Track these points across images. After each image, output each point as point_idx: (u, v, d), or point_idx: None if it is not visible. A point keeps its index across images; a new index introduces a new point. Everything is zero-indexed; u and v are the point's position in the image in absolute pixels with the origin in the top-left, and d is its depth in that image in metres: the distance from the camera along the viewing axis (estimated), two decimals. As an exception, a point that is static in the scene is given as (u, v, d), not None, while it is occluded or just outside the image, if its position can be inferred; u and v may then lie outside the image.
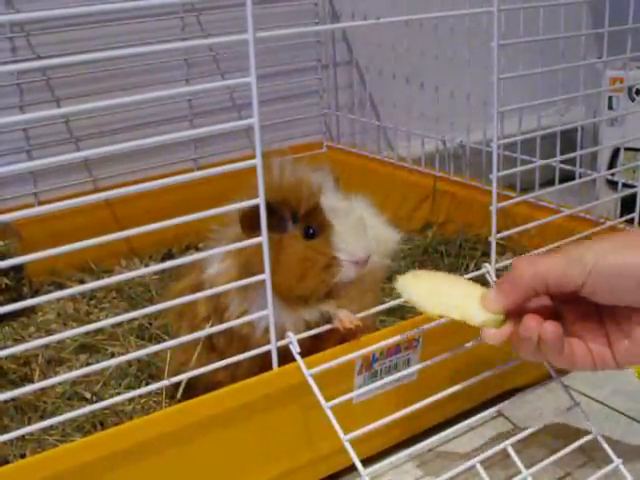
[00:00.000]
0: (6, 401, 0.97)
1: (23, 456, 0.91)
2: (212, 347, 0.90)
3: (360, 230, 0.87)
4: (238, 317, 0.85)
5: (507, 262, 1.03)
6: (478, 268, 1.03)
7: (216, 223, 0.93)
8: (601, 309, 0.80)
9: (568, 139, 1.29)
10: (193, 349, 0.91)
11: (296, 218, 0.86)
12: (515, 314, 0.80)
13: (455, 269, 1.32)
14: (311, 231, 0.86)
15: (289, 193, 0.85)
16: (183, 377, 0.83)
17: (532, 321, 0.78)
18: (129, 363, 1.09)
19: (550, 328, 0.77)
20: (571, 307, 0.82)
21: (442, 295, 0.82)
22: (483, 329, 0.80)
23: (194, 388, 0.87)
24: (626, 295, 0.75)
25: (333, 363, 0.84)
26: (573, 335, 0.81)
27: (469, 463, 0.83)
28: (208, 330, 0.84)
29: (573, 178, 1.27)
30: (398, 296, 0.86)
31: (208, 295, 0.83)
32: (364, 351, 0.87)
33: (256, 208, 0.79)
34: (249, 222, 0.83)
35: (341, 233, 0.86)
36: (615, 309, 0.79)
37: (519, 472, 0.83)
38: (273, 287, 0.82)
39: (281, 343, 0.84)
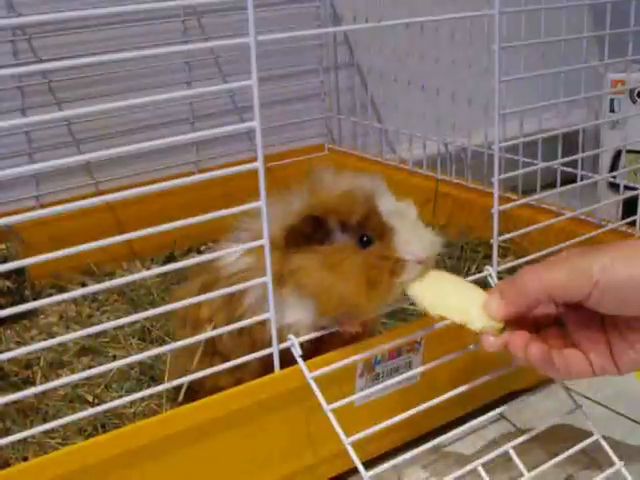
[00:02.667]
0: (8, 404, 0.97)
1: (25, 459, 0.91)
2: (216, 353, 0.90)
3: (419, 228, 0.86)
4: (252, 315, 0.84)
5: (509, 265, 1.03)
6: (480, 271, 1.03)
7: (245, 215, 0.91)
8: (604, 318, 0.80)
9: (570, 142, 1.29)
10: (196, 355, 0.90)
11: (346, 228, 0.85)
12: (516, 321, 0.79)
13: (457, 272, 1.32)
14: (365, 239, 0.84)
15: (336, 204, 0.84)
16: (184, 380, 0.83)
17: (518, 340, 0.78)
18: (131, 366, 1.09)
19: (534, 350, 0.77)
20: (575, 314, 0.81)
21: (444, 296, 0.82)
22: (482, 335, 0.80)
23: (196, 393, 0.87)
24: (632, 306, 0.75)
25: (335, 366, 0.84)
26: (574, 342, 0.81)
27: (471, 466, 0.83)
28: (212, 332, 0.84)
29: (575, 181, 1.27)
30: (400, 299, 0.86)
31: (219, 294, 0.83)
32: (366, 354, 0.87)
33: (300, 224, 0.81)
34: (292, 238, 0.82)
35: (401, 234, 0.84)
36: (619, 319, 0.78)
37: (521, 475, 0.83)
38: (328, 302, 0.83)
39: (282, 346, 0.84)
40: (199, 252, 1.51)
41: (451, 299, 0.82)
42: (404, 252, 0.83)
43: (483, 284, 0.91)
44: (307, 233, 0.83)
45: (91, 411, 0.76)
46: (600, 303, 0.75)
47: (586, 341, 0.80)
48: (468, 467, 0.83)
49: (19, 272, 1.29)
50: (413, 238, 0.84)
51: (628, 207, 1.29)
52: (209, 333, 0.84)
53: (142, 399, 1.00)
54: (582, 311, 0.79)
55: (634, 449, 0.96)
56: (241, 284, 0.82)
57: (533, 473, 0.83)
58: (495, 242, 1.01)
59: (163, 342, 1.15)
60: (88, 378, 1.05)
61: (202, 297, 0.82)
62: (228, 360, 0.83)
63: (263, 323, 0.84)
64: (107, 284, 0.74)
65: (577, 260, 0.76)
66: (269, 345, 0.84)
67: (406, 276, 0.84)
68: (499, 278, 1.00)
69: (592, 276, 0.74)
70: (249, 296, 0.86)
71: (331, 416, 0.80)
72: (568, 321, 0.82)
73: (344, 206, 0.84)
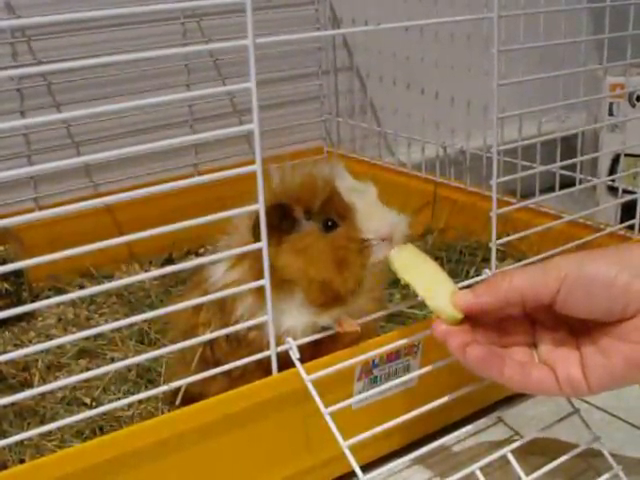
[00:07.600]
0: (5, 406, 0.97)
1: (22, 461, 0.91)
2: (215, 362, 0.88)
3: (380, 206, 0.87)
4: (246, 321, 0.84)
5: (507, 268, 1.03)
6: (478, 274, 1.03)
7: (218, 233, 0.92)
8: (578, 335, 0.80)
9: (568, 145, 1.29)
10: (194, 359, 0.90)
11: (311, 214, 0.85)
12: (488, 326, 0.81)
13: (455, 275, 1.32)
14: (330, 223, 0.85)
15: (298, 191, 0.84)
16: (182, 382, 0.83)
17: (455, 340, 0.79)
18: (128, 368, 1.08)
19: (473, 352, 0.77)
20: (548, 334, 0.82)
21: (421, 264, 0.84)
22: (435, 319, 0.80)
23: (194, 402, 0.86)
24: (600, 306, 0.75)
25: (333, 369, 0.84)
26: (548, 361, 0.81)
27: (469, 469, 0.82)
28: (210, 335, 0.84)
29: (573, 184, 1.27)
30: (398, 302, 0.86)
31: (215, 300, 0.83)
32: (364, 357, 0.87)
33: (266, 215, 0.79)
34: (260, 230, 0.82)
35: (363, 213, 0.85)
36: (592, 331, 0.78)
37: (519, 479, 0.83)
38: (309, 289, 0.83)
39: (281, 349, 0.84)
40: (197, 254, 1.51)
41: (427, 268, 0.83)
42: (367, 231, 0.84)
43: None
44: (274, 224, 0.83)
45: (88, 413, 0.76)
46: (568, 301, 0.76)
47: (557, 358, 0.80)
48: (466, 470, 0.83)
49: (17, 274, 1.29)
50: (374, 216, 0.85)
51: (627, 211, 1.29)
52: (206, 337, 0.84)
53: (140, 402, 1.00)
54: (556, 330, 0.81)
55: (632, 454, 0.96)
56: (235, 289, 0.82)
57: (531, 477, 0.83)
58: (493, 245, 1.01)
59: (161, 345, 1.15)
60: (86, 380, 1.05)
61: (196, 301, 0.81)
62: (228, 374, 0.83)
63: (261, 334, 0.85)
64: (105, 286, 0.74)
65: (547, 261, 0.79)
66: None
67: (374, 256, 0.84)
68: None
69: (560, 270, 0.76)
70: (239, 308, 0.86)
71: (329, 419, 0.80)
72: (542, 341, 0.82)
73: (306, 192, 0.84)
